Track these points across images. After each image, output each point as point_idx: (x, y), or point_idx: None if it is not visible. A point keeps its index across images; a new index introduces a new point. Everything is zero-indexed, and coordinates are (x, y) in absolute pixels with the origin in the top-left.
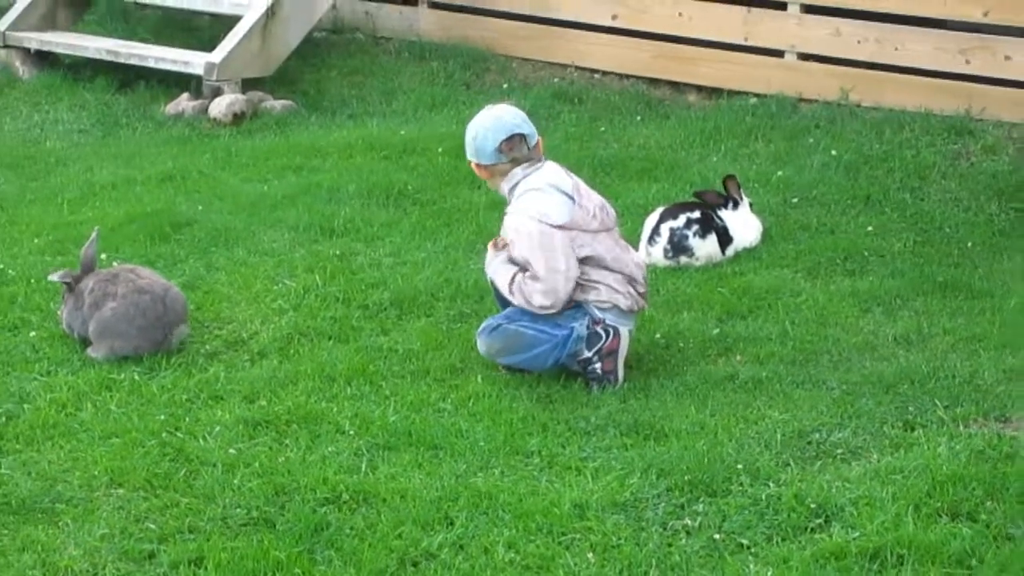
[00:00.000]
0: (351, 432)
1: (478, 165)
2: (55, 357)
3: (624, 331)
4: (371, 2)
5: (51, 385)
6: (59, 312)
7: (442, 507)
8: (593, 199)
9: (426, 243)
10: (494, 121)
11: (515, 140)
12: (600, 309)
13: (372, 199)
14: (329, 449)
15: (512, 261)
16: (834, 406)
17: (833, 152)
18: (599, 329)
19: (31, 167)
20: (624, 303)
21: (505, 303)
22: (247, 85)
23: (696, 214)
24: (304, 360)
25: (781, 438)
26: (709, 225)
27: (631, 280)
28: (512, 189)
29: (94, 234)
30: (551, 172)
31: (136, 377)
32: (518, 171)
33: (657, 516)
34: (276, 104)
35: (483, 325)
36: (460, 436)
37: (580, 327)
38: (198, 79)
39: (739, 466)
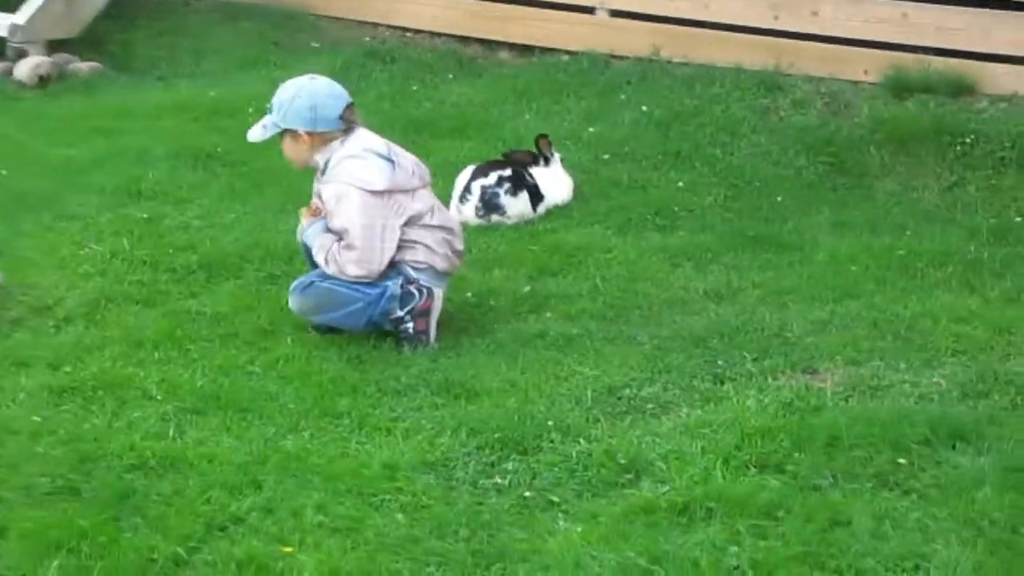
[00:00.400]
0: (158, 397)
1: (310, 134)
2: None
3: (437, 292)
4: None
5: None
6: None
7: (250, 471)
8: (408, 156)
9: (236, 205)
10: (331, 88)
11: (352, 107)
12: (415, 269)
13: (181, 161)
14: (136, 415)
15: (328, 229)
16: (644, 361)
17: (644, 108)
18: (412, 288)
19: None
20: (440, 265)
21: (316, 264)
22: (53, 47)
23: (507, 172)
24: (111, 325)
25: (592, 394)
26: (520, 183)
27: (450, 235)
28: (328, 159)
29: None
30: (365, 137)
31: None
32: (336, 141)
33: (467, 475)
34: (83, 66)
35: (295, 283)
36: (269, 399)
37: (394, 286)
38: (1, 41)
39: (549, 423)
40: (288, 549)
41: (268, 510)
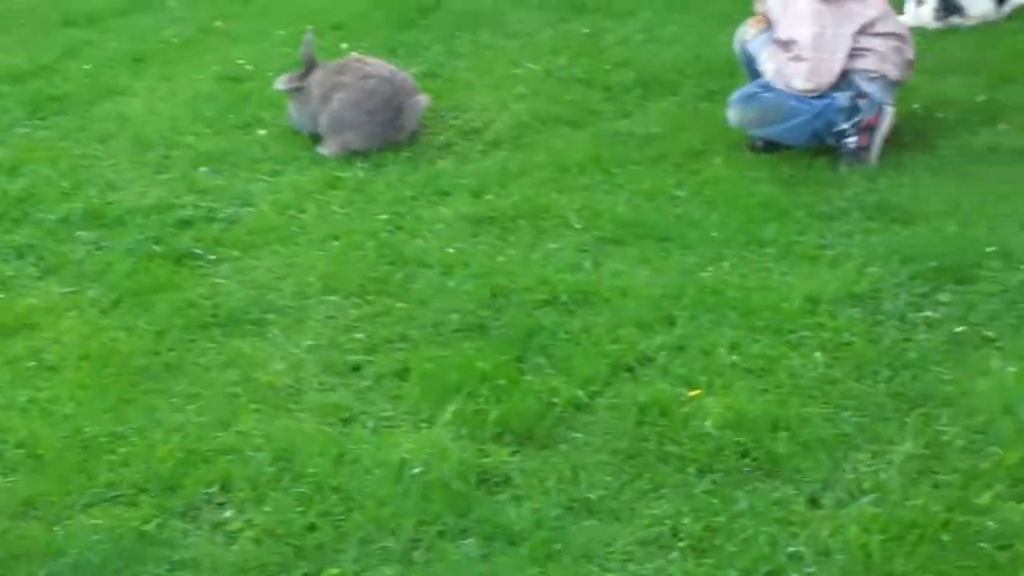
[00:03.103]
0: (578, 226)
1: None
2: (283, 156)
3: (888, 109)
4: None
5: (276, 186)
6: (288, 109)
7: (664, 306)
8: None
9: (680, 16)
10: None
11: None
12: (867, 79)
13: None
14: (552, 246)
15: (775, 41)
16: None
17: None
18: (861, 102)
19: None
20: (893, 73)
21: (755, 75)
22: None
23: None
24: (538, 149)
25: None
26: None
27: (901, 42)
28: None
29: (308, 36)
30: None
31: (362, 174)
32: None
33: (896, 308)
34: None
35: (736, 94)
36: (693, 226)
37: (842, 97)
38: None
39: (991, 249)
40: (694, 392)
41: (679, 348)
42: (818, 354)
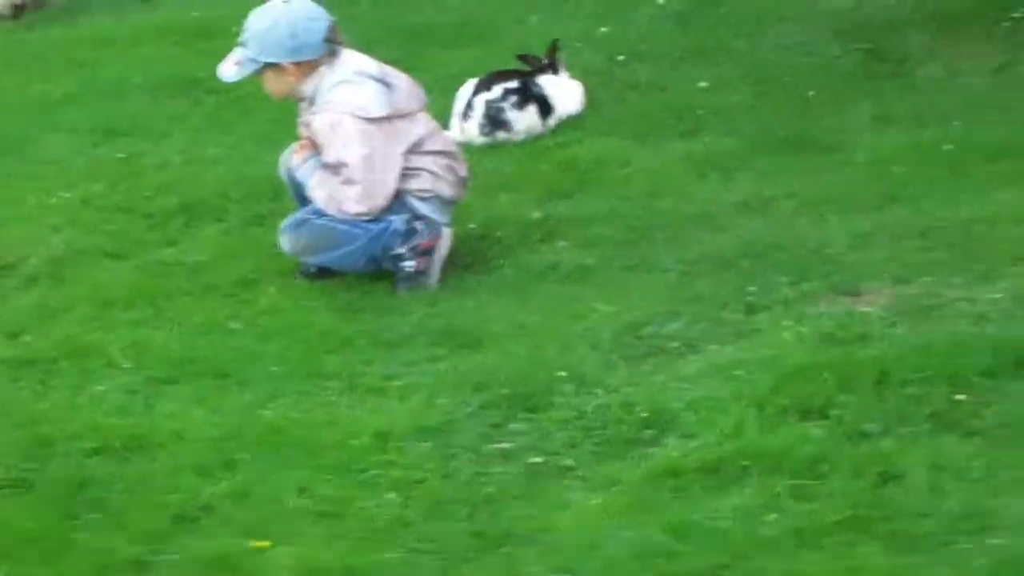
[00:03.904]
0: (126, 366)
1: (295, 64)
2: None
3: (446, 231)
4: None
5: None
6: None
7: (224, 449)
8: (402, 77)
9: (219, 136)
10: (310, 8)
11: (335, 27)
12: (421, 199)
13: (161, 91)
14: (99, 388)
15: (324, 165)
16: (669, 291)
17: (661, 1)
18: (418, 225)
19: None
20: (447, 192)
21: (304, 200)
22: None
23: (513, 84)
24: (79, 283)
25: (610, 335)
26: (528, 95)
27: (453, 160)
28: (316, 87)
29: None
30: (354, 59)
31: None
32: (323, 67)
33: (469, 440)
34: None
35: (288, 220)
36: (250, 360)
37: (398, 221)
38: None
39: (562, 373)
40: (262, 544)
41: (243, 494)
42: (391, 494)
